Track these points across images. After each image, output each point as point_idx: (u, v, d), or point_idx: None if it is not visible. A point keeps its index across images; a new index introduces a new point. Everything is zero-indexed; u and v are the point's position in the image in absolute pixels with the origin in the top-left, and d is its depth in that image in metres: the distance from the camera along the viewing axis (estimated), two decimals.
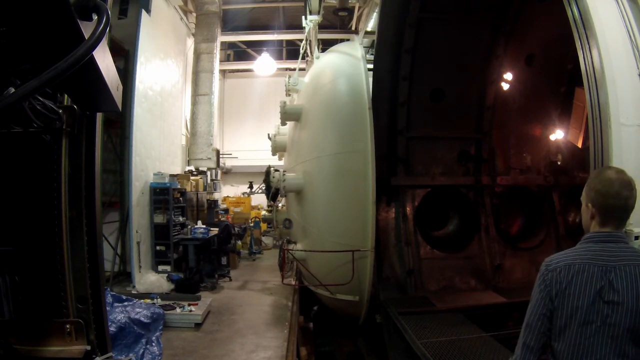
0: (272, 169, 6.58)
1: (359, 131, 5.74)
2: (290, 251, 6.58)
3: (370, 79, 6.21)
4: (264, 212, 9.71)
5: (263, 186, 7.07)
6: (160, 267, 9.33)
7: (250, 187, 12.34)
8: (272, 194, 6.52)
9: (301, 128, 6.66)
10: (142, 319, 5.48)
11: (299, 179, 6.33)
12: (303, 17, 8.21)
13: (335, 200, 5.86)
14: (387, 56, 6.61)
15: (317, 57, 7.23)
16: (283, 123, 7.25)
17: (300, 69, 7.66)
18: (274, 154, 8.52)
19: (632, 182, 1.83)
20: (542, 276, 1.87)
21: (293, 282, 8.34)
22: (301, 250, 6.46)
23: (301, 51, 7.90)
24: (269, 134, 8.37)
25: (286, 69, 15.69)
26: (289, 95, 7.70)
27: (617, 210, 1.83)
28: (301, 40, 10.65)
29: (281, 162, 8.68)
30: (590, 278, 1.76)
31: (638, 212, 2.33)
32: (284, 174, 6.42)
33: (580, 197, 1.99)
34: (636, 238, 2.54)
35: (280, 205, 8.59)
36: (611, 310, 1.71)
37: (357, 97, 5.90)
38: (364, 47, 11.44)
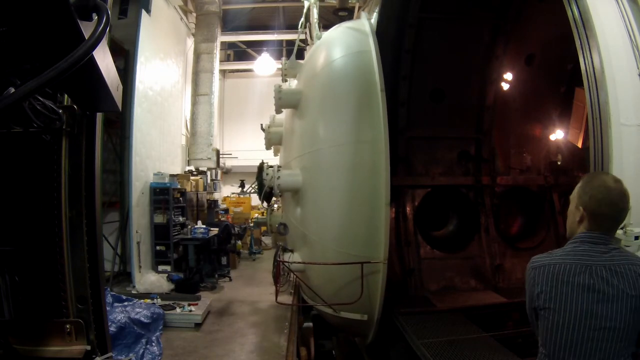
0: (265, 164, 5.64)
1: (370, 117, 4.79)
2: (285, 263, 5.50)
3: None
4: (256, 215, 8.63)
5: (256, 185, 6.07)
6: (160, 267, 9.35)
7: (242, 186, 11.41)
8: (266, 193, 5.55)
9: (300, 116, 5.70)
10: (142, 319, 5.49)
11: (296, 175, 5.40)
12: None
13: (340, 201, 4.91)
14: (387, 56, 6.59)
15: (319, 37, 6.18)
16: (278, 111, 6.12)
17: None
18: (268, 148, 7.42)
19: (627, 194, 1.80)
20: (527, 274, 1.90)
21: (290, 299, 7.53)
22: (299, 263, 5.48)
23: (299, 29, 7.07)
24: (262, 125, 7.31)
25: None
26: (286, 81, 6.82)
27: (609, 220, 1.81)
28: (302, 41, 10.62)
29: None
30: (578, 278, 1.72)
31: (638, 212, 2.33)
32: (278, 170, 5.47)
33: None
34: (636, 238, 2.53)
35: (276, 206, 7.77)
36: (600, 309, 1.68)
37: (367, 77, 4.95)
38: None
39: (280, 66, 6.75)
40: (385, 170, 4.61)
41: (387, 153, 4.63)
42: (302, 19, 7.22)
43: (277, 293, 5.62)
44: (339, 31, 5.90)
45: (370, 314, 5.03)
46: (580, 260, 1.76)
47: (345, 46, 5.46)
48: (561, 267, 1.77)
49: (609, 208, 1.78)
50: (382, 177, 4.62)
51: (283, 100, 5.74)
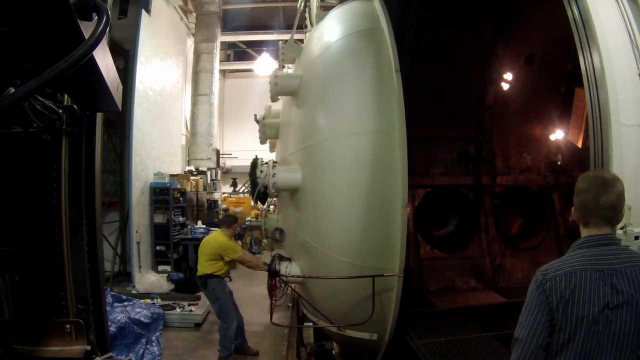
0: (259, 160, 4.84)
1: (382, 103, 4.02)
2: (282, 277, 4.70)
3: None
4: (249, 219, 8.11)
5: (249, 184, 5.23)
6: (160, 267, 9.35)
7: (234, 185, 10.46)
8: (259, 193, 4.78)
9: (298, 105, 4.87)
10: (142, 319, 5.49)
11: (294, 171, 4.55)
12: None
13: (346, 202, 4.08)
14: None
15: (321, 17, 5.35)
16: (274, 99, 5.20)
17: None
18: (263, 142, 6.38)
19: (613, 182, 1.76)
20: (541, 285, 1.77)
21: (288, 311, 6.75)
22: (298, 277, 4.71)
23: (299, 7, 6.46)
24: (255, 116, 6.32)
25: None
26: (284, 67, 6.09)
27: (601, 219, 1.78)
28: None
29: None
30: (594, 284, 1.70)
31: (638, 212, 2.32)
32: (274, 167, 4.61)
33: None
34: (636, 238, 2.54)
35: (271, 208, 6.81)
36: (614, 315, 1.67)
37: (378, 56, 4.20)
38: None
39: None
40: (401, 165, 3.81)
41: (404, 144, 3.82)
42: (300, 1, 6.64)
43: (272, 311, 4.63)
44: (344, 9, 5.00)
45: (380, 333, 4.27)
46: (593, 266, 1.74)
47: (352, 24, 4.61)
48: (577, 274, 1.73)
49: (596, 208, 1.77)
50: (398, 173, 3.83)
51: (279, 87, 4.89)
